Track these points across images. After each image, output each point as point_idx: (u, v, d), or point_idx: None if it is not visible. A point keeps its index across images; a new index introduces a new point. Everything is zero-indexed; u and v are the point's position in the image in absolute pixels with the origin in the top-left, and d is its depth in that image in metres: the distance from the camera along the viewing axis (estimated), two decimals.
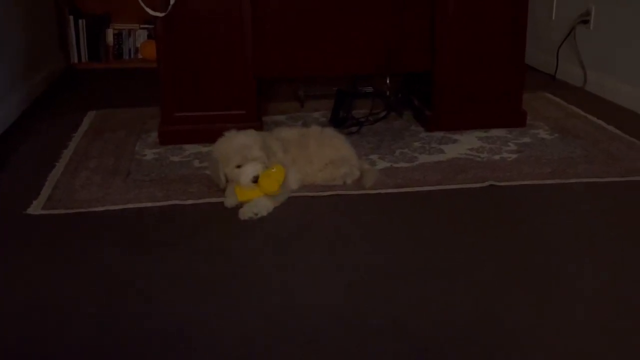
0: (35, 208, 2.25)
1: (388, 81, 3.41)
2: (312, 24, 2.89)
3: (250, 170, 2.18)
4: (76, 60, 4.61)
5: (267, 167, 2.21)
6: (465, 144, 2.82)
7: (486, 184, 2.39)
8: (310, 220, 2.16)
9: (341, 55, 2.95)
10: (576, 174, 2.48)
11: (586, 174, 2.47)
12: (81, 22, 4.58)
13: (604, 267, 1.84)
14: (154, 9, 2.72)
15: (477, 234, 2.04)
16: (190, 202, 2.28)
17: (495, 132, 2.96)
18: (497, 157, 2.67)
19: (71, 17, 4.55)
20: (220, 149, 2.23)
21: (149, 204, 2.27)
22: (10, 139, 2.99)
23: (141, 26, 4.70)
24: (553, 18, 4.11)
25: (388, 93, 3.36)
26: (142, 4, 2.70)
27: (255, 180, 2.17)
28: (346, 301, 1.68)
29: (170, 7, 2.71)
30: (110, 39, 4.68)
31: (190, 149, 2.82)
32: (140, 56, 4.70)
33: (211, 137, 2.71)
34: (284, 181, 2.23)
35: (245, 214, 2.15)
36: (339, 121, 3.07)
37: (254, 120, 2.87)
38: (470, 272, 1.81)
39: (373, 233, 2.06)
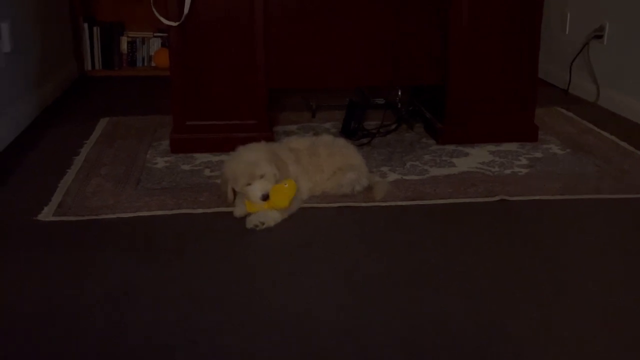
0: (46, 214, 2.26)
1: (400, 93, 3.42)
2: (324, 34, 2.90)
3: (259, 189, 2.18)
4: (90, 68, 4.65)
5: (278, 181, 2.21)
6: (476, 158, 2.82)
7: (497, 198, 2.39)
8: (317, 231, 2.17)
9: (352, 67, 2.96)
10: (588, 190, 2.47)
11: (598, 191, 2.47)
12: (95, 30, 4.62)
13: (613, 284, 1.83)
14: (167, 18, 2.74)
15: (486, 248, 2.03)
16: (200, 210, 2.29)
17: (507, 146, 2.96)
18: (508, 171, 2.66)
19: (86, 25, 4.59)
20: (228, 168, 2.24)
21: (159, 212, 2.28)
22: (23, 145, 3.02)
23: (155, 34, 4.73)
24: (567, 33, 4.11)
25: (399, 105, 3.37)
26: (156, 13, 2.72)
27: (265, 197, 2.17)
28: (350, 313, 1.68)
29: (183, 16, 2.73)
30: (124, 46, 4.72)
31: (201, 157, 2.83)
32: (153, 64, 4.73)
33: (222, 146, 2.75)
34: (295, 195, 2.23)
35: (251, 222, 2.16)
36: (350, 132, 3.08)
37: (266, 130, 2.88)
38: (478, 286, 1.81)
39: (381, 246, 2.06)
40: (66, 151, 2.91)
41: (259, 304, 1.72)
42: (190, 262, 1.94)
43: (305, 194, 2.37)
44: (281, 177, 2.23)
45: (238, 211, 2.24)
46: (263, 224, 2.15)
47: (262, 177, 2.19)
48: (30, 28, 3.51)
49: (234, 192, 2.24)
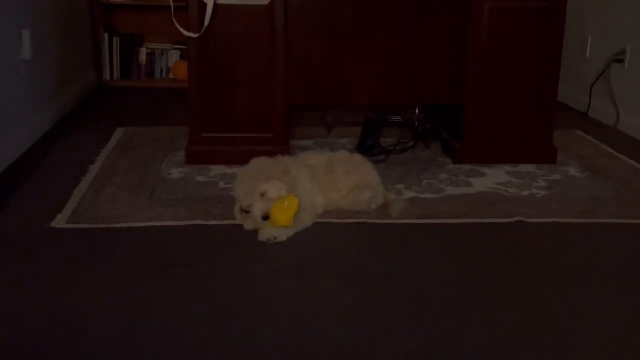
0: (60, 221, 2.27)
1: (417, 111, 3.41)
2: (344, 52, 2.90)
3: (259, 208, 2.17)
4: (109, 78, 4.68)
5: (280, 198, 2.18)
6: (493, 178, 2.80)
7: (514, 219, 2.36)
8: (330, 247, 2.15)
9: (370, 85, 2.95)
10: (607, 214, 2.44)
11: (616, 215, 2.43)
12: (115, 40, 4.66)
13: (630, 310, 1.79)
14: (188, 30, 2.76)
15: (502, 270, 2.00)
16: (213, 222, 2.29)
17: (525, 168, 2.94)
18: (526, 193, 2.64)
19: (106, 35, 4.63)
20: (235, 187, 2.26)
21: (172, 223, 2.28)
22: (40, 153, 3.03)
23: (174, 47, 4.77)
24: (587, 56, 4.09)
25: (417, 123, 3.36)
26: (177, 25, 2.74)
27: (266, 218, 2.16)
28: (358, 335, 1.65)
29: (204, 28, 2.74)
30: (143, 57, 4.75)
31: (217, 169, 2.83)
32: (171, 76, 4.76)
33: (238, 159, 2.74)
34: (298, 211, 2.19)
35: (264, 235, 2.15)
36: (367, 149, 3.07)
37: (282, 144, 2.88)
38: (490, 310, 1.78)
39: (394, 264, 2.04)
40: (82, 159, 2.92)
41: (266, 321, 1.70)
42: (200, 275, 1.93)
43: (320, 209, 2.36)
44: (289, 193, 2.20)
45: (248, 224, 2.24)
46: (275, 238, 2.15)
47: (263, 195, 2.18)
48: (51, 36, 3.55)
49: (243, 210, 2.24)
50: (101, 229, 2.22)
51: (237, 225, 2.26)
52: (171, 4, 2.78)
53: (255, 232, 2.19)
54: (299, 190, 2.25)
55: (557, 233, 2.29)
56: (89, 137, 3.30)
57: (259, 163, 2.28)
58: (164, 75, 4.80)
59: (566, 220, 2.38)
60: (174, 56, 4.78)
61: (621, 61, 3.71)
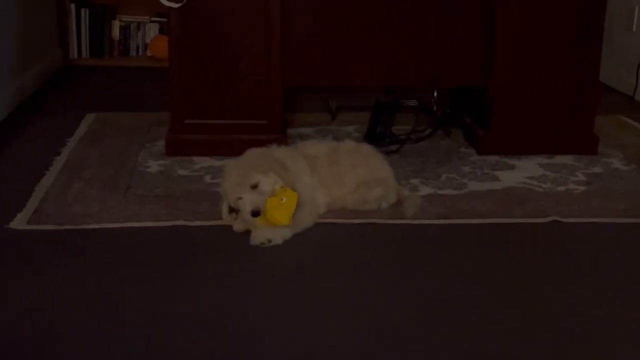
0: (20, 222, 2.27)
1: (435, 94, 3.41)
2: (350, 25, 2.90)
3: (248, 202, 2.14)
4: (76, 56, 4.68)
5: (275, 194, 2.17)
6: (524, 171, 2.80)
7: (548, 219, 2.36)
8: (333, 251, 2.16)
9: (381, 63, 2.95)
10: None
11: None
12: (84, 12, 4.65)
13: None
14: None
15: (533, 278, 2.01)
16: (198, 223, 2.29)
17: (561, 159, 2.94)
18: (561, 188, 2.64)
19: (73, 6, 4.62)
20: (222, 181, 2.25)
21: (151, 224, 2.28)
22: None
23: (152, 19, 4.76)
24: (633, 30, 4.08)
25: (435, 108, 3.36)
26: None
27: (256, 213, 2.12)
28: (365, 357, 1.65)
29: None
30: (116, 32, 4.75)
31: (202, 162, 2.84)
32: (149, 53, 4.75)
33: (227, 149, 2.74)
34: (297, 209, 2.20)
35: (257, 238, 2.15)
36: (376, 137, 3.07)
37: (278, 132, 2.88)
38: (523, 323, 1.78)
39: (405, 272, 2.04)
40: (46, 150, 2.92)
41: (256, 339, 1.70)
42: (183, 283, 1.94)
43: (321, 207, 2.36)
44: (278, 189, 2.19)
45: (238, 225, 2.24)
46: (270, 241, 2.15)
47: (254, 188, 2.16)
48: (8, 8, 3.54)
49: (231, 209, 2.23)
50: (68, 231, 2.22)
51: (225, 226, 2.26)
52: None
53: (247, 234, 2.19)
54: (297, 184, 2.25)
55: (598, 235, 2.29)
56: (53, 124, 3.30)
57: (252, 155, 2.28)
58: (140, 53, 4.79)
59: (608, 220, 2.39)
60: (152, 30, 4.78)
61: None
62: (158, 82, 3.96)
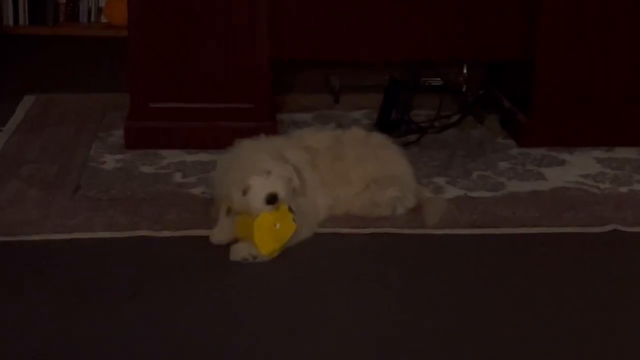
0: None
1: (465, 70, 3.40)
2: None
3: (259, 187, 2.13)
4: (11, 23, 4.67)
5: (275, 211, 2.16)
6: (577, 168, 2.80)
7: (607, 228, 2.36)
8: (335, 270, 2.16)
9: (396, 32, 2.95)
10: None
11: None
12: None
13: None
14: None
15: (589, 300, 2.01)
16: (166, 234, 2.29)
17: (623, 153, 2.94)
18: (624, 189, 2.65)
19: None
20: (219, 177, 2.24)
21: (106, 234, 2.27)
22: None
23: None
24: None
25: (464, 88, 3.35)
26: None
27: (273, 199, 2.12)
28: None
29: None
30: None
31: (170, 156, 2.83)
32: (104, 19, 4.75)
33: (202, 140, 2.74)
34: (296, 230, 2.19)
35: (238, 253, 2.15)
36: (391, 125, 3.06)
37: (266, 119, 2.88)
38: (575, 355, 1.78)
39: (430, 296, 2.03)
40: None
41: None
42: (147, 309, 1.93)
43: (321, 214, 2.36)
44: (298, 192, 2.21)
45: (218, 235, 2.24)
46: (255, 257, 2.14)
47: (268, 174, 2.15)
48: None
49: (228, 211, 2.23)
50: (1, 243, 2.22)
51: (200, 237, 2.26)
52: None
53: (226, 247, 2.19)
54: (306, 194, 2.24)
55: None
56: None
57: (246, 146, 2.27)
58: (92, 19, 4.79)
59: None
60: None
61: None
62: (115, 55, 3.94)
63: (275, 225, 2.15)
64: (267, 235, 2.14)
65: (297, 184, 2.20)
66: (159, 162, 2.79)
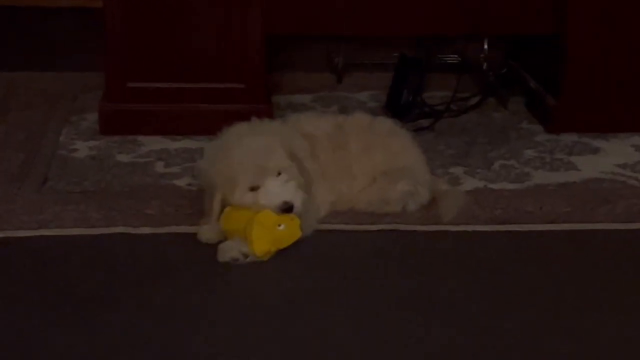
0: None
1: (486, 46, 3.40)
2: None
3: (275, 190, 2.16)
4: None
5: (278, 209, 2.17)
6: (612, 157, 2.80)
7: None
8: (338, 272, 2.16)
9: (406, 4, 2.96)
10: None
11: None
12: None
13: None
14: None
15: (627, 306, 2.00)
16: (145, 230, 2.29)
17: None
18: None
19: None
20: (218, 164, 2.22)
21: (78, 231, 2.28)
22: None
23: None
24: None
25: (485, 66, 3.35)
26: None
27: (288, 208, 2.15)
28: None
29: None
30: None
31: (151, 143, 2.84)
32: None
33: (187, 125, 2.74)
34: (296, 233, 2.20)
35: (226, 252, 2.15)
36: (401, 109, 3.07)
37: (260, 101, 2.89)
38: None
39: (446, 300, 2.04)
40: None
41: None
42: (125, 316, 1.93)
43: (323, 209, 2.37)
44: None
45: (207, 232, 2.24)
46: (246, 256, 2.15)
47: (279, 173, 2.18)
48: None
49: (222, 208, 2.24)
50: None
51: (184, 233, 2.27)
52: None
53: (214, 246, 2.19)
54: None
55: None
56: None
57: (245, 130, 2.28)
58: None
59: None
60: None
61: None
62: (89, 28, 3.94)
63: (277, 226, 2.16)
64: (267, 235, 2.15)
65: (301, 182, 2.21)
66: (138, 150, 2.80)
